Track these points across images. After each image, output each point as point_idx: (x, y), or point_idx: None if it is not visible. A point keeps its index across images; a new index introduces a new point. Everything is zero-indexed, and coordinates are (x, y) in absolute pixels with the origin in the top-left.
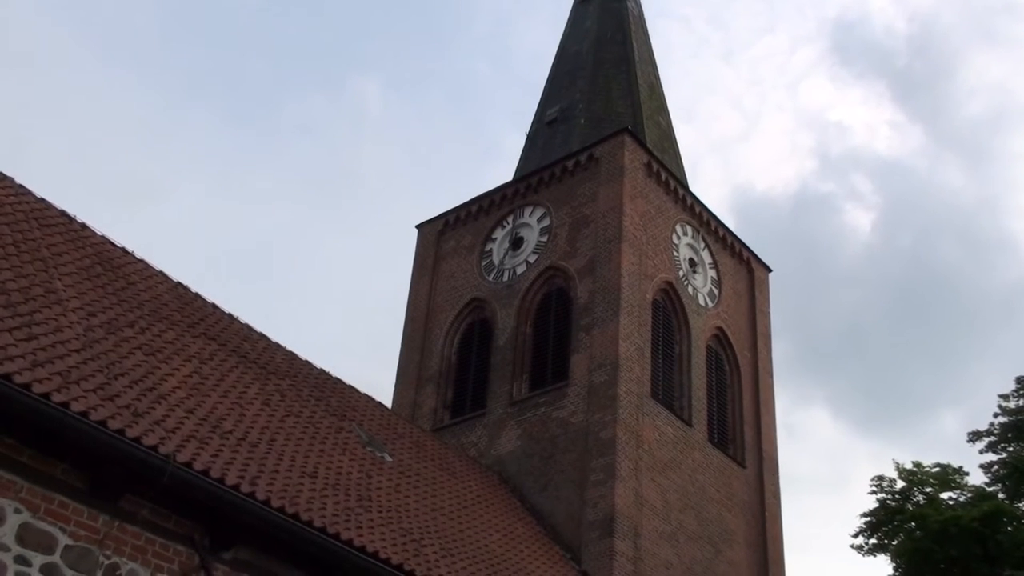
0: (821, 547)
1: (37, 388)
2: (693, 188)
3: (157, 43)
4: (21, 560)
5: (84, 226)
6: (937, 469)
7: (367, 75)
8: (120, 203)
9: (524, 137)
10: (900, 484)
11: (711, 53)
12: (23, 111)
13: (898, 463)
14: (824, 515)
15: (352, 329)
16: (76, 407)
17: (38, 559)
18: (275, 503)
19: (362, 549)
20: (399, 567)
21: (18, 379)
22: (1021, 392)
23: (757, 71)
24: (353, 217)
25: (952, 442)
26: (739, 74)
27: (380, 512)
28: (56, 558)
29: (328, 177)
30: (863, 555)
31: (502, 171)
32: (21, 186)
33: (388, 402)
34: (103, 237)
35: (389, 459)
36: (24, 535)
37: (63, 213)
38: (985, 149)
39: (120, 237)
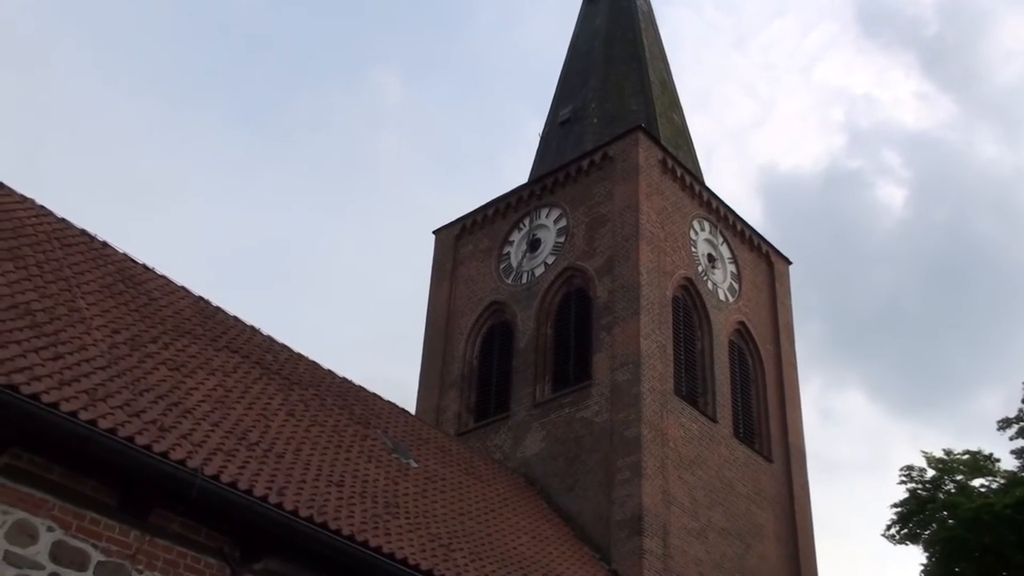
0: (862, 531)
1: (65, 406)
2: (710, 176)
3: (167, 42)
4: None
5: (105, 244)
6: (967, 456)
7: (382, 69)
8: (135, 208)
9: (539, 131)
10: (930, 473)
11: (722, 40)
12: (36, 115)
13: (926, 453)
14: (864, 499)
15: (373, 329)
16: (104, 424)
17: None
18: (303, 513)
19: (391, 556)
20: (429, 572)
21: (46, 398)
22: None
23: (770, 55)
24: (370, 214)
25: (993, 422)
26: (752, 60)
27: (408, 518)
28: (89, 574)
29: (343, 174)
30: (894, 544)
31: (520, 163)
32: (42, 207)
33: (411, 407)
34: (124, 254)
35: (415, 465)
36: (57, 552)
37: (84, 232)
38: (1020, 117)
39: (136, 243)
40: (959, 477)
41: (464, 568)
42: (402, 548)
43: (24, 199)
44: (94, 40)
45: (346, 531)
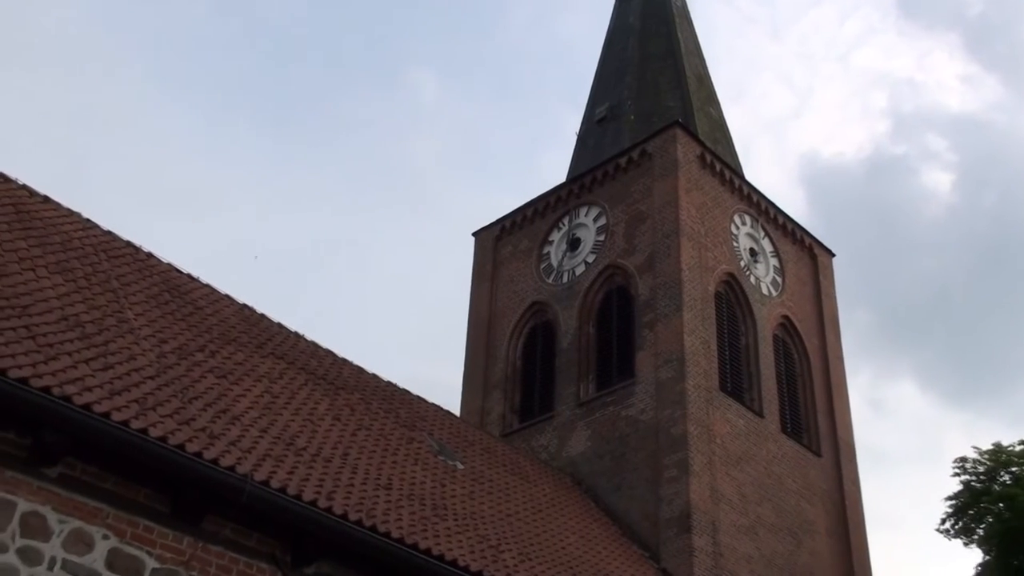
0: (916, 523)
1: (116, 416)
2: (750, 169)
3: (202, 48)
4: None
5: (150, 255)
6: (1022, 447)
7: (418, 69)
8: (175, 217)
9: (576, 129)
10: (983, 466)
11: (758, 31)
12: (75, 125)
13: (977, 448)
14: (918, 490)
15: (415, 332)
16: (154, 432)
17: None
18: (352, 516)
19: (440, 558)
20: (479, 574)
21: (97, 408)
22: None
23: (807, 45)
24: (410, 216)
25: None
26: (789, 49)
27: (456, 520)
28: None
29: (382, 177)
30: (950, 539)
31: (559, 161)
32: (88, 220)
33: (456, 410)
34: (169, 264)
35: (461, 467)
36: (113, 560)
37: (129, 243)
38: None
39: (180, 252)
40: (1014, 468)
41: (514, 569)
42: (451, 550)
43: (71, 212)
44: (131, 48)
45: (395, 534)
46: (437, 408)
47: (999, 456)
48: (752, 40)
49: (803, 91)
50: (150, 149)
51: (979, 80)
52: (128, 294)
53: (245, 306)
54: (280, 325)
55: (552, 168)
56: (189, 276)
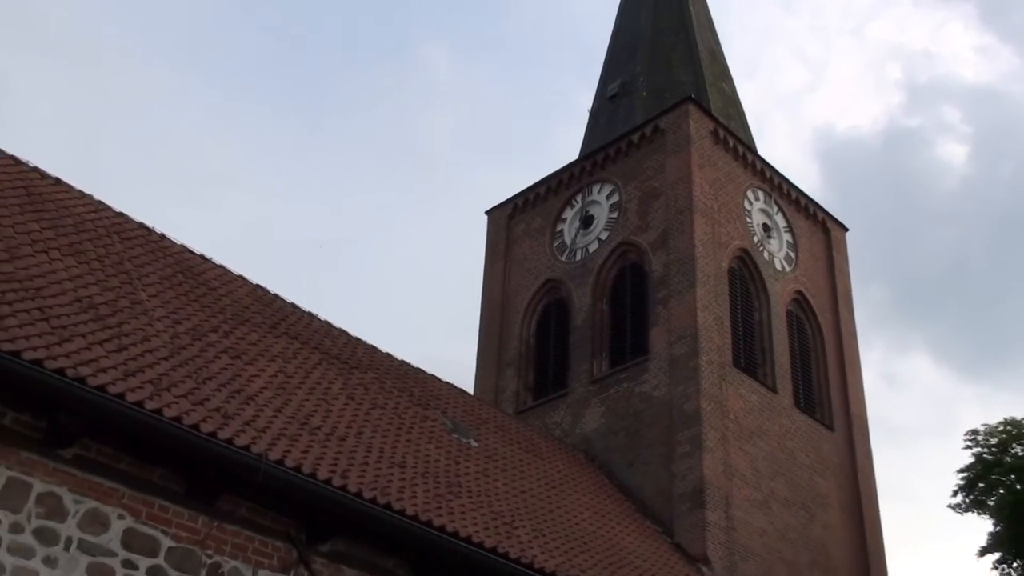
0: (931, 496)
1: (131, 397)
2: (764, 144)
3: (213, 28)
4: (128, 564)
5: (163, 236)
6: None
7: (430, 46)
8: (189, 199)
9: (588, 106)
10: (995, 438)
11: (770, 4)
12: (85, 107)
13: (987, 424)
14: (933, 463)
15: (430, 310)
16: (169, 413)
17: (144, 562)
18: (367, 494)
19: (455, 534)
20: (493, 550)
21: (112, 389)
22: None
23: (820, 17)
24: (425, 194)
25: None
26: (802, 22)
27: (470, 497)
28: (161, 560)
29: (396, 156)
30: (961, 513)
31: (573, 137)
32: (100, 202)
33: (469, 388)
34: (182, 246)
35: (475, 444)
36: (129, 540)
37: (142, 225)
38: None
39: (193, 235)
40: None
41: (528, 545)
42: (466, 527)
43: (83, 195)
44: (138, 28)
45: (410, 511)
46: (451, 386)
47: (1011, 429)
48: (765, 14)
49: (817, 65)
50: (161, 132)
51: (994, 51)
52: (141, 275)
53: (258, 286)
54: (294, 305)
55: (566, 145)
56: (202, 257)
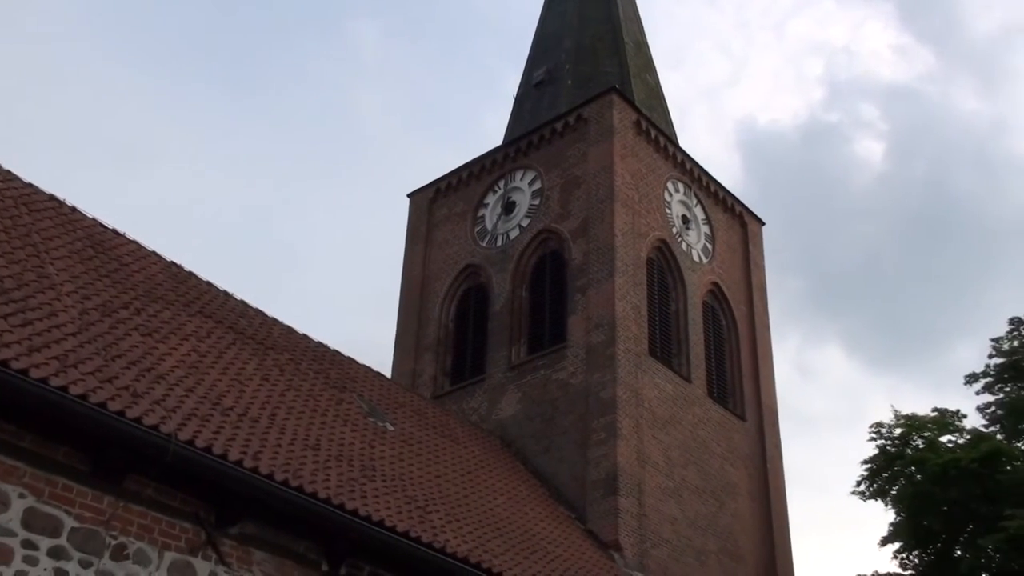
0: (840, 485)
1: (35, 373)
2: (686, 135)
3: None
4: (28, 544)
5: (74, 209)
6: (935, 414)
7: (361, 23)
8: (107, 174)
9: (514, 94)
10: (899, 431)
11: None
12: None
13: (896, 411)
14: (842, 453)
15: (356, 291)
16: (75, 390)
17: (45, 542)
18: (279, 477)
19: (367, 518)
20: (405, 534)
21: (15, 365)
22: (1014, 334)
23: (744, 13)
24: (351, 174)
25: (968, 372)
26: (726, 17)
27: (384, 481)
28: (63, 541)
29: (322, 134)
30: (864, 500)
31: (503, 121)
32: (8, 171)
33: (388, 371)
34: (94, 220)
35: (391, 428)
36: (30, 520)
37: (52, 197)
38: (998, 67)
39: (111, 211)
40: (927, 434)
41: (440, 529)
42: (379, 511)
43: None
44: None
45: (322, 494)
46: (368, 369)
47: (913, 422)
48: (690, 7)
49: (740, 59)
50: (78, 107)
51: (912, 51)
52: (50, 248)
53: (172, 263)
54: (209, 283)
55: (495, 128)
56: (115, 232)
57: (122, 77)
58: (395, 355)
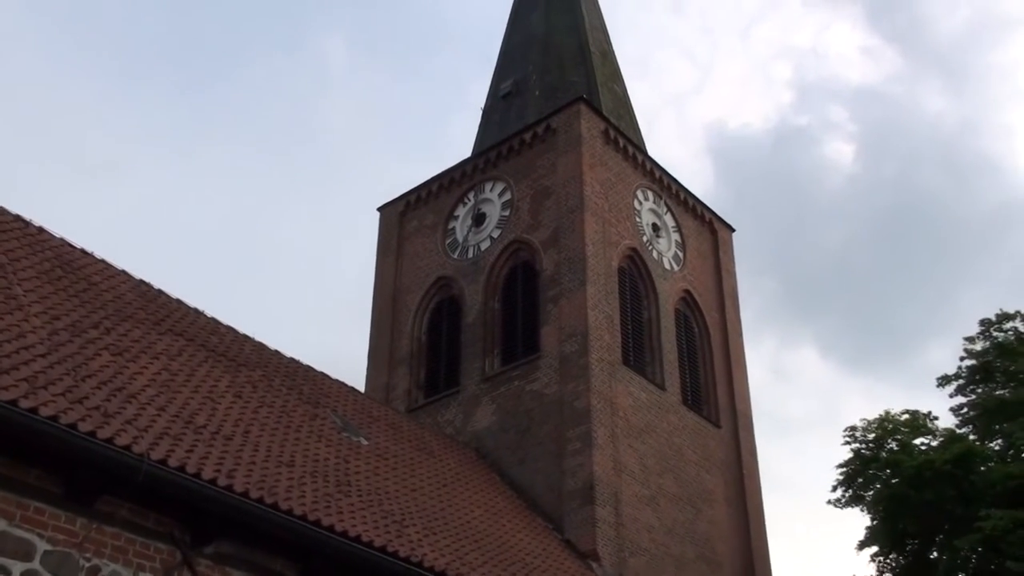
0: (817, 488)
1: (3, 395)
2: (654, 143)
3: (105, 9)
4: (1, 569)
5: (41, 229)
6: (907, 416)
7: (327, 36)
8: (72, 185)
9: (481, 106)
10: (872, 434)
11: (659, 5)
12: None
13: (865, 419)
14: (818, 456)
15: (327, 304)
16: (45, 412)
17: (17, 567)
18: (253, 494)
19: (344, 534)
20: (382, 549)
21: None
22: (985, 335)
23: (708, 19)
24: (320, 187)
25: (941, 374)
26: (691, 24)
27: (360, 496)
28: (36, 564)
29: (291, 148)
30: (841, 508)
31: (471, 133)
32: None
33: (361, 386)
34: (61, 239)
35: (365, 443)
36: (2, 544)
37: (18, 217)
38: (964, 67)
39: (75, 228)
40: (900, 436)
41: (418, 544)
42: (355, 526)
43: None
44: (23, 9)
45: (298, 511)
46: (341, 384)
47: (886, 424)
48: (655, 15)
49: (706, 65)
50: (43, 122)
51: (879, 52)
52: (17, 270)
53: (142, 282)
54: (179, 301)
55: (462, 141)
56: (83, 251)
57: (88, 91)
58: (368, 369)
